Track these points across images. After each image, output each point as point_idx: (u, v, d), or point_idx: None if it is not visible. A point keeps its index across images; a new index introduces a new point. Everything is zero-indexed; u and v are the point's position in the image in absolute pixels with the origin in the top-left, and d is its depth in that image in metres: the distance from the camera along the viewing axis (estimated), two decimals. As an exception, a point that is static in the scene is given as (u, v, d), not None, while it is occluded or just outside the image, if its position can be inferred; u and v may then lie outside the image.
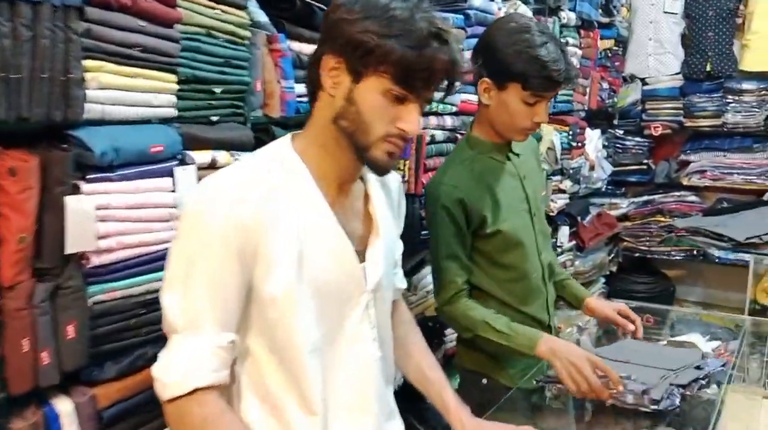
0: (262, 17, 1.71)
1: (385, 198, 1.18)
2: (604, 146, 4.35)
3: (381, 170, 1.05)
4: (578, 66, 3.38)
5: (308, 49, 1.82)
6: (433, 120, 2.35)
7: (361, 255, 1.08)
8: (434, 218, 1.64)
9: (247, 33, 1.61)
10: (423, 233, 2.35)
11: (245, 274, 0.96)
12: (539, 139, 3.12)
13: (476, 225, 1.63)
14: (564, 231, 3.56)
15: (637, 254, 4.45)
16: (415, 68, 0.95)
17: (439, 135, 2.37)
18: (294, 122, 1.78)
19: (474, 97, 2.52)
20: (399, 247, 1.27)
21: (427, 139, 2.30)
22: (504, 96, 1.56)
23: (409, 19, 0.95)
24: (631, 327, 1.79)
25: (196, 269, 0.95)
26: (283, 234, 0.97)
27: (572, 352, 1.49)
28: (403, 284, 1.32)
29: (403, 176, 2.23)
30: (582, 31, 3.42)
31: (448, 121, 2.42)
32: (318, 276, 1.01)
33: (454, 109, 2.45)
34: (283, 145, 1.05)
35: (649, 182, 4.47)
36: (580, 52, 3.37)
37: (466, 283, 1.65)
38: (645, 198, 4.44)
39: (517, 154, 1.72)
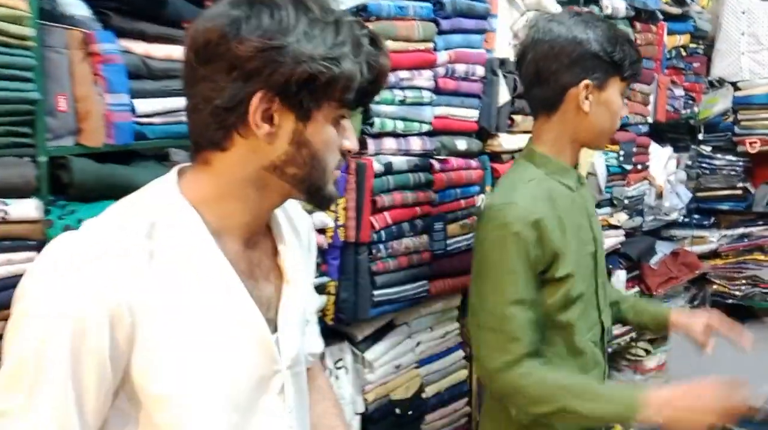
0: (76, 9, 1.23)
1: (297, 243, 0.98)
2: (687, 167, 3.56)
3: (332, 203, 0.94)
4: (633, 68, 2.66)
5: (160, 50, 1.32)
6: (388, 143, 1.77)
7: (272, 323, 0.88)
8: (497, 249, 1.29)
9: (26, 31, 1.13)
10: (377, 293, 1.77)
11: (115, 378, 0.77)
12: (575, 163, 2.44)
13: (546, 263, 1.31)
14: (619, 276, 2.83)
15: (730, 301, 3.57)
16: (364, 84, 0.81)
17: (401, 163, 1.79)
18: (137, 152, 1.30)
19: (457, 111, 1.93)
20: (313, 302, 1.10)
21: (378, 168, 1.72)
22: (606, 96, 1.36)
23: (341, 28, 0.79)
24: (745, 339, 1.53)
25: (39, 397, 0.73)
26: (173, 317, 0.78)
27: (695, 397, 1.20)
28: (318, 347, 1.11)
29: (336, 219, 1.66)
30: (638, 24, 2.70)
31: (416, 143, 1.83)
32: (221, 362, 0.82)
33: (427, 127, 1.86)
34: (167, 192, 0.83)
35: (746, 211, 3.61)
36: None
37: (536, 341, 1.30)
38: (741, 230, 3.61)
39: (583, 184, 1.47)
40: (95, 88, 1.23)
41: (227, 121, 0.79)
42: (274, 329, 0.88)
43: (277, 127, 0.79)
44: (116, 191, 1.23)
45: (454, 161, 1.93)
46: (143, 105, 1.30)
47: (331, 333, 1.86)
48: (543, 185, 1.34)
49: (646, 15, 2.73)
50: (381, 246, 1.77)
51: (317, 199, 0.88)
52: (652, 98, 2.92)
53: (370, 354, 1.88)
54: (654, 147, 3.04)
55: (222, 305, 0.82)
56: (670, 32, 2.98)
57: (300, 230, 1.01)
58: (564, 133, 1.38)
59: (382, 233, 1.77)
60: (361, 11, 1.68)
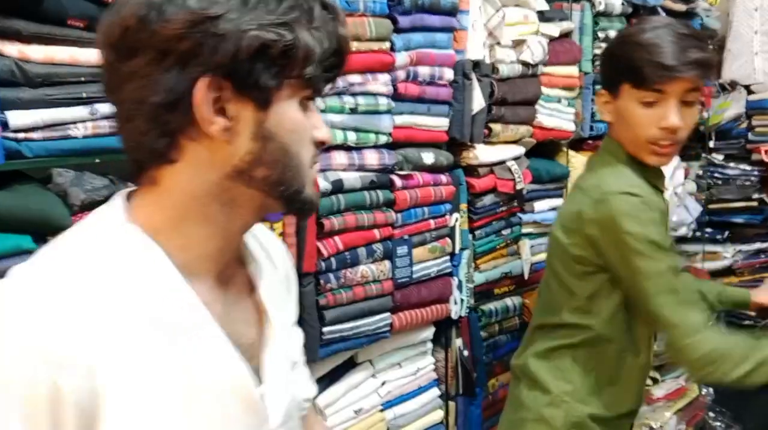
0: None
1: (274, 275, 0.83)
2: (697, 177, 3.29)
3: (313, 209, 0.76)
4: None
5: (39, 52, 1.11)
6: (338, 157, 1.54)
7: (254, 374, 0.73)
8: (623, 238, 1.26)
9: None
10: (327, 330, 1.55)
11: None
12: (567, 175, 2.21)
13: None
14: (620, 299, 2.56)
15: (746, 323, 3.28)
16: (324, 58, 0.67)
17: (354, 180, 1.56)
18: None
19: (422, 120, 1.71)
20: (298, 339, 0.91)
21: (324, 186, 1.50)
22: (620, 104, 1.32)
23: None
24: None
25: None
26: (141, 379, 0.63)
27: None
28: (311, 391, 0.94)
29: (272, 248, 1.43)
30: (634, 22, 2.45)
31: (372, 157, 1.60)
32: (196, 426, 0.67)
33: (386, 139, 1.63)
34: (115, 224, 0.67)
35: (762, 224, 3.33)
36: (632, 50, 2.40)
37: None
38: (757, 246, 3.32)
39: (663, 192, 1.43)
40: (-51, 98, 1.03)
41: (170, 124, 0.64)
42: (259, 380, 0.74)
43: (234, 119, 0.65)
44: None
45: (420, 177, 1.70)
46: (18, 118, 1.09)
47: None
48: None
49: (645, 12, 2.48)
50: (331, 276, 1.54)
51: (296, 206, 0.73)
52: (654, 103, 2.66)
53: (325, 398, 1.64)
54: (658, 156, 2.78)
55: (199, 360, 0.68)
56: (674, 31, 2.72)
57: (275, 260, 0.86)
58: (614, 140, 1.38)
59: (332, 260, 1.54)
60: (301, 6, 1.47)
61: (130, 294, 0.64)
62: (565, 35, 2.18)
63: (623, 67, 1.29)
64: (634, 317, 1.36)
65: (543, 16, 2.06)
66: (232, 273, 0.75)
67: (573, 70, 2.15)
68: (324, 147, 0.74)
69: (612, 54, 1.35)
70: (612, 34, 2.31)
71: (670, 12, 2.67)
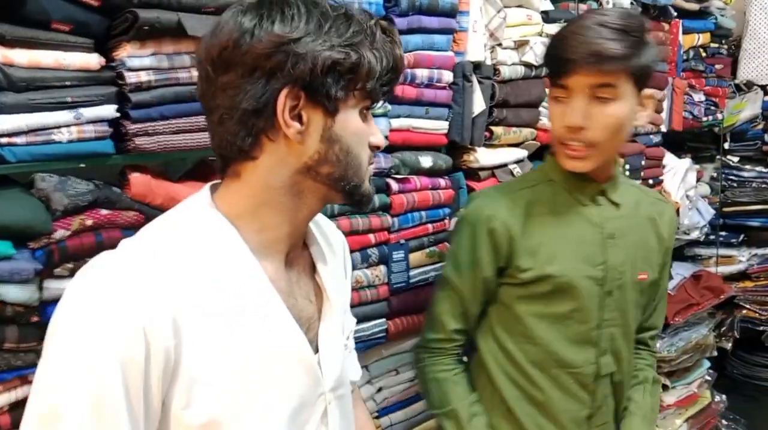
0: None
1: (333, 261, 0.96)
2: (712, 179, 3.23)
3: (371, 202, 0.89)
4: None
5: (23, 56, 1.10)
6: (332, 161, 1.52)
7: (312, 344, 0.86)
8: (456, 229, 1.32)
9: None
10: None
11: (158, 408, 0.73)
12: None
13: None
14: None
15: (762, 328, 3.21)
16: (383, 73, 0.80)
17: (348, 183, 1.53)
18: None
19: (421, 123, 1.68)
20: (350, 323, 1.04)
21: (317, 191, 1.47)
22: (549, 98, 1.24)
23: (352, 19, 0.79)
24: None
25: None
26: (215, 340, 0.75)
27: None
28: (357, 374, 1.08)
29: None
30: (648, 23, 2.39)
31: (368, 161, 1.57)
32: (265, 385, 0.79)
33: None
34: (202, 209, 0.81)
35: (780, 227, 3.25)
36: (642, 51, 2.35)
37: (461, 333, 1.30)
38: (774, 250, 3.23)
39: (617, 204, 1.27)
40: (-69, 103, 1.02)
41: (256, 126, 0.78)
42: (315, 349, 0.87)
43: (307, 124, 0.78)
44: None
45: (417, 181, 1.67)
46: (1, 122, 1.08)
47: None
48: (534, 190, 1.28)
49: (655, 11, 2.43)
50: (324, 281, 1.52)
51: (356, 198, 0.85)
52: (666, 105, 2.61)
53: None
54: (670, 159, 2.72)
55: (264, 327, 0.80)
56: (687, 31, 2.66)
57: (335, 248, 0.99)
58: None
59: (325, 265, 1.52)
60: (293, 9, 1.45)
61: (208, 267, 0.76)
62: (571, 36, 2.13)
63: (546, 59, 1.25)
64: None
65: (548, 17, 2.02)
66: (296, 255, 0.87)
67: (579, 71, 2.10)
68: (378, 151, 0.87)
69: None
70: (620, 34, 2.25)
71: (681, 11, 2.61)
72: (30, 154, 1.11)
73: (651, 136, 2.53)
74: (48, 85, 1.12)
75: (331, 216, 1.52)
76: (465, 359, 1.37)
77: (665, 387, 2.81)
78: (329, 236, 0.99)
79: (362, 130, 0.82)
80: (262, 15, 0.75)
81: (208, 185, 0.85)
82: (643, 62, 1.12)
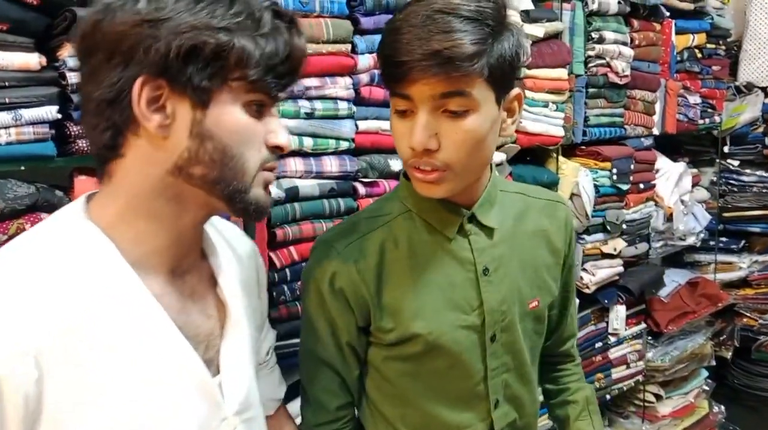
0: None
1: (239, 272, 0.87)
2: (711, 184, 3.15)
3: (262, 212, 0.77)
4: (631, 71, 2.30)
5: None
6: (294, 164, 1.48)
7: (213, 363, 0.77)
8: (304, 287, 1.06)
9: None
10: (280, 344, 1.48)
11: None
12: (556, 182, 2.11)
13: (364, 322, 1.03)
14: (618, 313, 2.46)
15: (762, 338, 3.12)
16: (274, 63, 0.71)
17: (311, 187, 1.50)
18: None
19: (387, 124, 1.63)
20: (268, 339, 1.00)
21: (277, 194, 1.44)
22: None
23: (236, 1, 0.69)
24: None
25: None
26: (91, 370, 0.66)
27: None
28: (279, 391, 1.01)
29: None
30: (636, 22, 2.34)
31: (332, 163, 1.53)
32: (155, 415, 0.70)
33: (347, 145, 1.56)
34: (72, 220, 0.72)
35: (781, 233, 3.16)
36: (631, 52, 2.29)
37: (345, 408, 1.07)
38: (775, 256, 3.15)
39: (490, 230, 1.02)
40: None
41: (113, 118, 0.70)
42: (217, 370, 0.78)
43: (171, 117, 0.69)
44: None
45: (386, 184, 1.63)
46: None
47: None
48: (388, 228, 1.02)
49: (646, 11, 2.36)
50: (284, 287, 1.48)
51: (240, 206, 0.75)
52: (658, 107, 2.54)
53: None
54: (663, 163, 2.66)
55: (150, 350, 0.71)
56: (681, 31, 2.59)
57: (243, 258, 0.91)
58: None
59: (287, 271, 1.48)
60: (251, 7, 1.41)
61: (79, 289, 0.67)
62: (554, 36, 2.08)
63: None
64: None
65: (528, 17, 1.97)
66: (189, 267, 0.78)
67: (562, 72, 2.05)
68: (282, 153, 0.76)
69: None
70: (608, 34, 2.20)
71: (675, 11, 2.55)
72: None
73: (642, 140, 2.47)
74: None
75: (293, 221, 1.48)
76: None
77: (658, 397, 2.74)
78: (235, 245, 0.90)
79: (246, 128, 0.72)
80: None
81: (87, 193, 0.77)
82: (502, 57, 0.86)
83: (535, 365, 1.14)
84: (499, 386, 1.05)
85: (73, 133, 1.19)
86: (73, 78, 1.16)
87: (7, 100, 1.11)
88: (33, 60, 1.13)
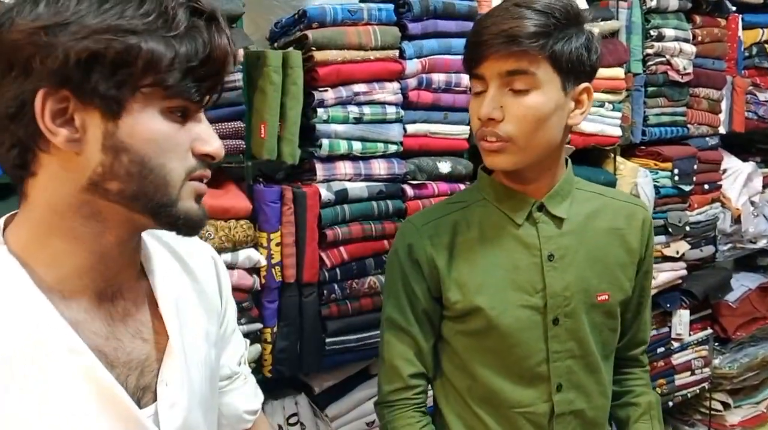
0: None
1: (191, 288, 0.82)
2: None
3: (194, 226, 0.71)
4: (693, 69, 2.24)
5: None
6: (344, 167, 1.53)
7: (149, 390, 0.72)
8: (388, 262, 1.18)
9: None
10: (330, 341, 1.55)
11: None
12: (613, 183, 2.08)
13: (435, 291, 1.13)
14: (681, 317, 2.39)
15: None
16: (192, 67, 0.65)
17: (359, 189, 1.55)
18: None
19: (438, 127, 1.68)
20: (234, 349, 0.92)
21: (327, 196, 1.49)
22: None
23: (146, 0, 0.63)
24: None
25: None
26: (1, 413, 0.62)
27: None
28: (255, 402, 0.95)
29: (269, 257, 1.44)
30: (698, 18, 2.27)
31: (381, 166, 1.58)
32: None
33: (395, 148, 1.60)
34: None
35: None
36: (693, 49, 2.23)
37: (418, 377, 1.15)
38: None
39: (560, 221, 1.10)
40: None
41: (17, 135, 0.64)
42: (154, 397, 0.72)
43: (81, 130, 0.63)
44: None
45: (435, 186, 1.66)
46: None
47: (288, 383, 1.65)
48: (465, 211, 1.13)
49: (709, 6, 2.29)
50: (335, 286, 1.54)
51: (167, 220, 0.69)
52: (725, 105, 2.45)
53: (336, 409, 1.64)
54: (732, 162, 2.56)
55: (65, 382, 0.65)
56: (749, 26, 2.49)
57: (196, 270, 0.84)
58: None
59: (337, 270, 1.53)
60: (301, 18, 1.47)
61: None
62: (611, 35, 2.05)
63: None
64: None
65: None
66: (121, 288, 0.73)
67: (618, 71, 2.02)
68: (213, 161, 0.70)
69: None
70: (667, 31, 2.15)
71: (742, 5, 2.46)
72: None
73: (707, 139, 2.39)
74: None
75: (342, 222, 1.53)
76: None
77: (726, 406, 2.64)
78: (187, 258, 0.84)
79: (165, 137, 0.66)
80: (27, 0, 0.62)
81: (4, 216, 0.72)
82: (568, 49, 0.97)
83: (609, 362, 1.17)
84: (562, 371, 1.09)
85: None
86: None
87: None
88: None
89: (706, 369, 2.52)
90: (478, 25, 1.01)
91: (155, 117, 0.65)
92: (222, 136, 1.37)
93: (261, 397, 0.97)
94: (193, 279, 0.83)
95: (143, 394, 0.71)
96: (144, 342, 0.73)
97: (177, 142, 0.67)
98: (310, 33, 1.45)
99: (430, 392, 1.20)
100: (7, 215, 0.71)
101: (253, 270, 1.44)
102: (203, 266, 0.86)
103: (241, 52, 1.38)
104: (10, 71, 0.62)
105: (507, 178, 1.10)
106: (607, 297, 1.11)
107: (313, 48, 1.45)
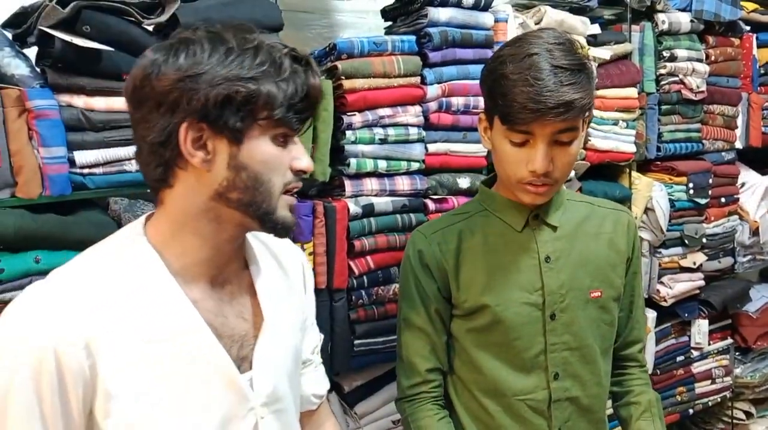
0: (16, 69, 1.32)
1: (283, 282, 1.00)
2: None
3: (287, 230, 0.90)
4: (707, 87, 2.33)
5: (101, 102, 1.37)
6: (370, 184, 1.68)
7: (247, 360, 0.90)
8: (401, 269, 1.32)
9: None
10: (358, 343, 1.68)
11: (81, 419, 0.80)
12: (629, 197, 2.18)
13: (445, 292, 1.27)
14: (700, 327, 2.46)
15: None
16: (294, 102, 0.83)
17: (385, 204, 1.69)
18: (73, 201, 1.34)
19: (458, 146, 1.82)
20: (312, 340, 1.09)
21: (355, 210, 1.64)
22: (492, 136, 1.18)
23: (259, 52, 0.82)
24: None
25: None
26: (135, 359, 0.81)
27: None
28: (321, 387, 1.11)
29: (303, 265, 1.59)
30: (711, 39, 2.37)
31: (404, 182, 1.72)
32: (186, 403, 0.84)
33: (417, 165, 1.74)
34: (131, 236, 0.88)
35: None
36: (706, 68, 2.32)
37: (434, 372, 1.28)
38: None
39: (553, 227, 1.24)
40: (30, 143, 1.29)
41: (164, 156, 0.82)
42: (250, 366, 0.90)
43: (212, 153, 0.82)
44: (49, 241, 1.30)
45: (455, 200, 1.79)
46: (83, 156, 1.34)
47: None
48: (469, 220, 1.27)
49: (722, 27, 2.39)
50: (362, 292, 1.68)
51: (269, 225, 0.87)
52: (740, 121, 2.54)
53: (362, 407, 1.77)
54: (750, 176, 2.63)
55: (184, 345, 0.83)
56: (763, 44, 2.58)
57: (287, 267, 1.02)
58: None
59: (364, 278, 1.68)
60: (332, 51, 1.64)
61: (128, 292, 0.82)
62: (623, 57, 2.16)
63: (492, 99, 1.13)
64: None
65: (596, 41, 2.08)
66: (229, 276, 0.91)
67: (631, 91, 2.13)
68: (304, 175, 0.89)
69: (483, 80, 1.17)
70: (680, 52, 2.25)
71: (756, 24, 2.54)
72: (106, 181, 1.36)
73: (723, 154, 2.47)
74: (120, 125, 1.37)
75: (369, 233, 1.67)
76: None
77: (749, 415, 2.68)
78: (281, 256, 1.02)
79: (273, 158, 0.84)
80: (170, 54, 0.80)
81: (145, 214, 0.91)
82: (590, 95, 1.11)
83: (607, 356, 1.29)
84: (558, 361, 1.21)
85: (186, 161, 1.45)
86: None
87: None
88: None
89: (727, 378, 2.58)
90: (526, 87, 1.05)
91: (267, 142, 0.83)
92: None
93: (327, 385, 1.12)
94: (285, 274, 1.01)
95: (242, 363, 0.89)
96: (244, 321, 0.91)
97: (281, 162, 0.85)
98: (339, 64, 1.61)
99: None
100: (146, 214, 0.91)
101: (289, 277, 1.59)
102: (293, 265, 1.04)
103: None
104: (158, 108, 0.80)
105: (505, 190, 1.24)
106: (599, 293, 1.24)
107: (342, 77, 1.61)
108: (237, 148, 0.82)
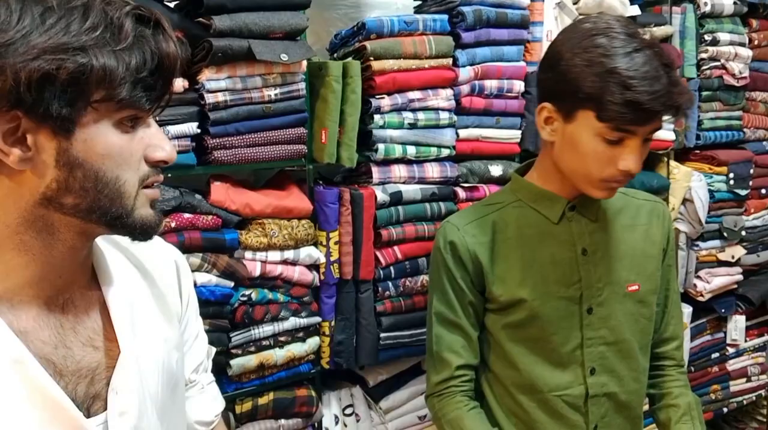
0: None
1: (149, 292, 0.81)
2: None
3: (150, 231, 0.71)
4: (750, 73, 2.22)
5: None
6: (398, 171, 1.61)
7: (100, 399, 0.72)
8: (432, 261, 1.26)
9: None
10: (384, 335, 1.63)
11: None
12: (666, 187, 2.09)
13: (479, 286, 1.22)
14: (737, 323, 2.37)
15: None
16: (142, 77, 0.64)
17: (413, 191, 1.62)
18: None
19: (491, 132, 1.73)
20: (195, 355, 0.89)
21: (382, 198, 1.57)
22: (572, 129, 1.08)
23: (91, 12, 0.62)
24: None
25: None
26: None
27: None
28: (208, 413, 0.92)
29: (328, 255, 1.53)
30: (755, 22, 2.25)
31: (434, 169, 1.65)
32: None
33: (448, 152, 1.67)
34: None
35: None
36: (749, 53, 2.21)
37: (465, 368, 1.22)
38: None
39: (590, 219, 1.19)
40: None
41: None
42: (104, 406, 0.71)
43: (33, 148, 0.63)
44: None
45: (486, 189, 1.71)
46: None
47: (344, 375, 1.73)
48: (502, 212, 1.21)
49: (765, 10, 2.27)
50: (389, 284, 1.62)
51: (123, 230, 0.69)
52: (783, 108, 2.42)
53: (387, 402, 1.72)
54: (790, 166, 2.52)
55: (11, 389, 0.65)
56: (808, 28, 2.45)
57: (155, 274, 0.84)
58: (551, 163, 1.16)
59: (391, 269, 1.61)
60: (360, 30, 1.56)
61: None
62: (664, 40, 2.06)
63: (586, 93, 1.03)
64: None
65: (635, 23, 1.98)
66: (72, 296, 0.73)
67: (671, 76, 2.03)
68: (166, 166, 0.70)
69: (568, 70, 1.04)
70: (722, 36, 2.14)
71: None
72: (125, 165, 1.31)
73: (764, 143, 2.36)
74: (140, 107, 1.30)
75: (396, 223, 1.60)
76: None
77: (786, 415, 2.59)
78: (145, 261, 0.83)
79: (119, 149, 0.66)
80: None
81: None
82: None
83: (646, 351, 1.23)
84: (595, 356, 1.17)
85: (210, 145, 1.39)
86: (210, 98, 1.36)
87: (157, 119, 1.32)
88: (178, 84, 1.34)
89: (763, 376, 2.48)
90: (635, 79, 0.98)
91: (108, 130, 0.65)
92: (286, 142, 1.48)
93: (219, 408, 0.95)
94: (151, 283, 0.82)
95: (93, 402, 0.71)
96: (95, 350, 0.72)
97: (131, 153, 0.67)
98: (368, 44, 1.53)
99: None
100: None
101: (313, 267, 1.53)
102: (163, 269, 0.85)
103: (304, 62, 1.47)
104: None
105: (541, 180, 1.18)
106: (637, 287, 1.19)
107: (371, 58, 1.53)
108: (67, 141, 0.63)
